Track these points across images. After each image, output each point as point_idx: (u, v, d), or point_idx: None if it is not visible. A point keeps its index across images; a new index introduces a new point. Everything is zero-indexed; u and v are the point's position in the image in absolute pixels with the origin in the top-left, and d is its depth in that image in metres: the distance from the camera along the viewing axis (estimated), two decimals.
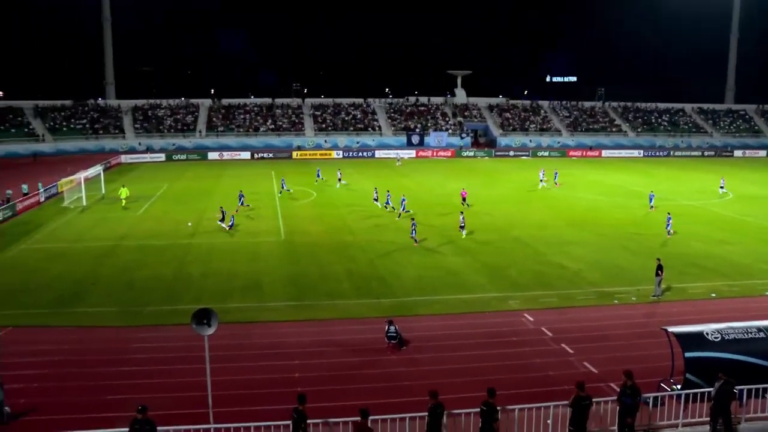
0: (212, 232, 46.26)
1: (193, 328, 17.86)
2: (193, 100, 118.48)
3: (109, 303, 31.37)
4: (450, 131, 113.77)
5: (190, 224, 46.64)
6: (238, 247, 42.22)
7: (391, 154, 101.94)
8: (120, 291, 33.55)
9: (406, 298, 32.34)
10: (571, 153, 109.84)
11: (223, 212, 47.01)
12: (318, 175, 72.17)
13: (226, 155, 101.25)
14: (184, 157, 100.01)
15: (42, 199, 59.82)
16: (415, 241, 41.41)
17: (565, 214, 53.20)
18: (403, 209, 50.64)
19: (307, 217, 51.22)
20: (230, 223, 45.73)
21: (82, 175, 60.65)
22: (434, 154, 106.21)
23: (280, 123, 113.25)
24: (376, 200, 55.10)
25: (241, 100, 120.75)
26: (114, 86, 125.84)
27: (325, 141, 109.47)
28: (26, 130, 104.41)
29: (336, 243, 42.60)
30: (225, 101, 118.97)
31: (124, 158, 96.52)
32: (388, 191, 55.36)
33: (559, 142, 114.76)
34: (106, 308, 30.76)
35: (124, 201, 56.02)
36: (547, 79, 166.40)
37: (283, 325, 28.47)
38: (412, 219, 43.96)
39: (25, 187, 61.26)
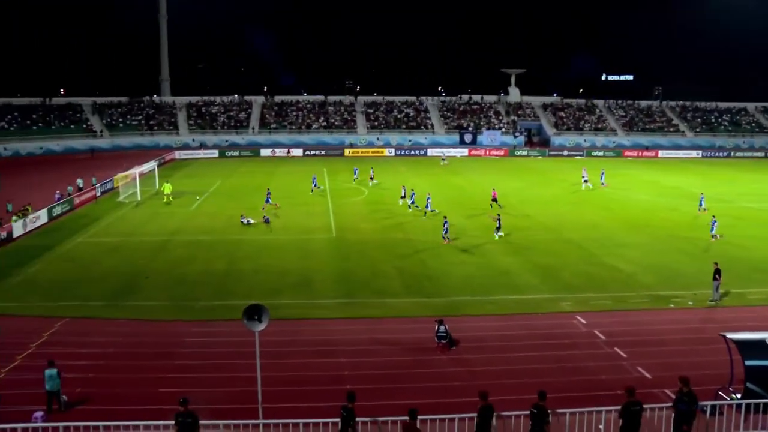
0: (264, 228, 46.25)
1: (244, 323, 17.62)
2: (246, 97, 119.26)
3: (161, 297, 31.60)
4: (503, 130, 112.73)
5: (247, 220, 46.61)
6: (289, 244, 42.02)
7: (444, 152, 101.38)
8: (172, 285, 33.73)
9: (456, 297, 31.96)
10: (627, 153, 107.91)
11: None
12: (355, 174, 71.30)
13: (279, 152, 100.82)
14: (236, 153, 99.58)
15: (98, 194, 60.42)
16: (447, 239, 40.46)
17: (620, 216, 52.07)
18: (429, 208, 50.01)
19: (359, 215, 50.76)
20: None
21: (137, 171, 61.42)
22: (487, 153, 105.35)
23: (333, 120, 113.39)
24: (404, 197, 54.18)
25: (294, 98, 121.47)
26: (169, 83, 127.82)
27: (378, 139, 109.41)
28: (84, 126, 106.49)
29: (386, 240, 42.15)
30: (278, 98, 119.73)
31: (178, 154, 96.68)
32: (413, 190, 54.43)
33: (614, 142, 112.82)
34: (158, 302, 31.00)
35: (166, 197, 55.81)
36: (603, 77, 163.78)
37: (333, 322, 28.27)
38: (444, 217, 43.32)
39: (80, 182, 62.20)
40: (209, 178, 72.64)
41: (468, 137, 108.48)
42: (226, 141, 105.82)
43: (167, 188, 56.87)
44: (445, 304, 30.75)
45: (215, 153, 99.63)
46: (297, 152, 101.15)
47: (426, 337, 26.17)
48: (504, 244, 41.75)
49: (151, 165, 67.01)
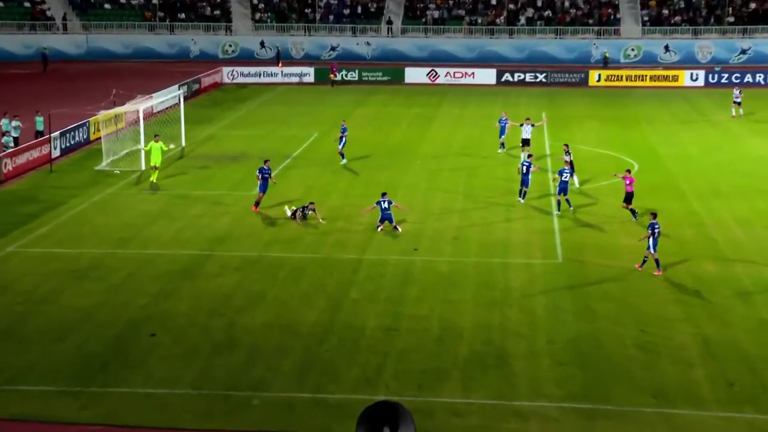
0: (406, 238, 29.91)
1: None
2: None
3: (182, 379, 21.72)
4: None
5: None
6: (462, 273, 26.58)
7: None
8: (207, 354, 23.35)
9: None
10: None
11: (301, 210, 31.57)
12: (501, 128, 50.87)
13: (442, 73, 68.10)
14: (354, 75, 67.71)
15: (54, 154, 41.39)
16: (658, 269, 26.91)
17: None
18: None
19: (609, 217, 34.01)
20: (294, 211, 31.71)
21: (139, 106, 41.52)
22: None
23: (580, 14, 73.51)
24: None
25: None
26: None
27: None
28: (26, 5, 70.86)
29: (675, 276, 27.11)
30: None
31: (227, 72, 67.26)
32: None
33: None
34: (175, 389, 21.38)
35: (153, 174, 37.93)
36: None
37: None
38: (652, 224, 27.89)
39: (5, 125, 41.87)
40: (292, 127, 51.10)
41: None
42: (333, 48, 73.55)
43: (155, 153, 37.72)
44: None
45: (310, 73, 66.59)
46: (485, 73, 68.46)
47: None
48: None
49: (169, 95, 46.99)
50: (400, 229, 30.23)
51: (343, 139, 39.64)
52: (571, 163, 35.57)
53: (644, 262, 27.10)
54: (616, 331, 23.49)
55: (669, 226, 31.04)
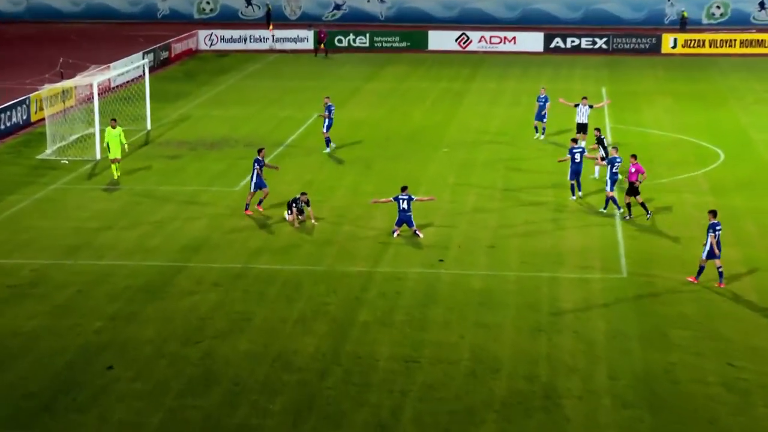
0: (430, 246, 31.61)
1: None
2: None
3: (141, 424, 21.92)
4: None
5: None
6: (502, 290, 28.53)
7: None
8: (170, 390, 23.10)
9: None
10: None
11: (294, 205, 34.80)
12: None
13: (475, 38, 69.57)
14: (364, 41, 70.85)
15: None
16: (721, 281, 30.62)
17: None
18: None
19: (687, 220, 35.32)
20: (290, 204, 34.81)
21: (93, 80, 45.31)
22: None
23: None
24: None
25: None
26: None
27: None
28: None
29: None
30: None
31: (204, 36, 71.02)
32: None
33: None
34: None
35: (115, 168, 40.06)
36: None
37: None
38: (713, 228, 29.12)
39: None
40: (285, 107, 54.96)
41: None
42: (337, 7, 76.24)
43: (114, 143, 39.91)
44: None
45: (307, 39, 69.63)
46: (529, 38, 70.42)
47: None
48: None
49: (131, 66, 51.64)
50: (421, 235, 31.79)
51: (328, 120, 42.76)
52: (604, 148, 38.38)
53: (700, 272, 28.30)
54: (696, 365, 24.36)
55: (763, 233, 33.15)
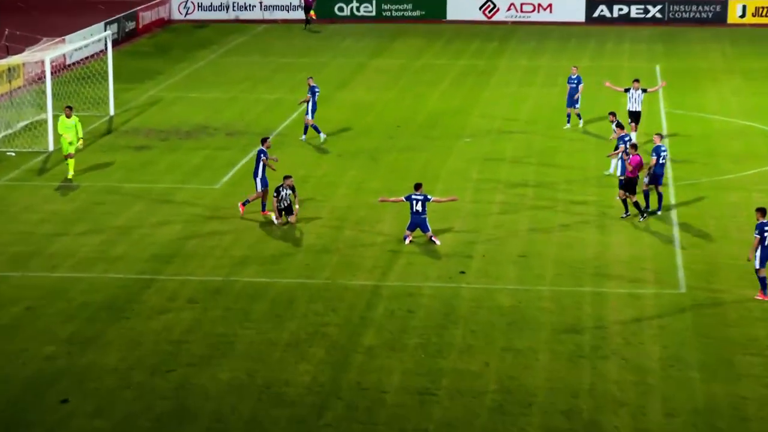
0: (449, 255, 32.41)
1: None
2: None
3: None
4: None
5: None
6: (535, 308, 28.86)
7: None
8: (137, 427, 22.84)
9: None
10: None
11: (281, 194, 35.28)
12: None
13: (504, 6, 72.02)
14: (369, 8, 73.60)
15: None
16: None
17: None
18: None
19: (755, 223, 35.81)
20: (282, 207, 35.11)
21: (45, 55, 46.44)
22: None
23: None
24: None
25: None
26: None
27: None
28: None
29: None
30: None
31: (178, 3, 73.47)
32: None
33: None
34: None
35: (69, 165, 40.31)
36: None
37: None
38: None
39: None
40: (276, 88, 56.37)
41: None
42: None
43: (67, 137, 40.18)
44: None
45: (299, 3, 71.79)
46: (569, 5, 72.73)
47: None
48: None
49: (91, 39, 52.76)
50: (438, 242, 32.13)
51: (312, 104, 43.57)
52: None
53: (764, 285, 28.63)
54: None
55: None
